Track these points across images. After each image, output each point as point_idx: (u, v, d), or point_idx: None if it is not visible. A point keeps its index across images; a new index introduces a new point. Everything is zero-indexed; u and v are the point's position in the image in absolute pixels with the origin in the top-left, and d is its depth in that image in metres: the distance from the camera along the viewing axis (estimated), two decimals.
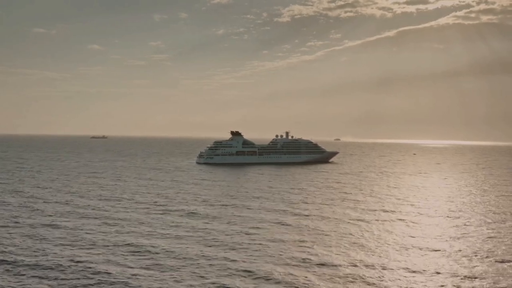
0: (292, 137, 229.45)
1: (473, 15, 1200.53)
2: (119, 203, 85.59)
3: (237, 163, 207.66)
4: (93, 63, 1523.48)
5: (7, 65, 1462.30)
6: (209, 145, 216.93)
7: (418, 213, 79.19)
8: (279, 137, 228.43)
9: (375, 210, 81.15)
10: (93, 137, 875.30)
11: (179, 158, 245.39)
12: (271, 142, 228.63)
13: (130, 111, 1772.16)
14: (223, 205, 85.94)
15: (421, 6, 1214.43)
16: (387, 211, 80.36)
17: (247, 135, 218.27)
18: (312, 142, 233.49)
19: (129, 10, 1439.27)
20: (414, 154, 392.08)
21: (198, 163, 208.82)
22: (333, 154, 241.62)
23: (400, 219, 72.87)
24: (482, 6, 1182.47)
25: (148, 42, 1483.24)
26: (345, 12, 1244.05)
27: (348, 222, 69.74)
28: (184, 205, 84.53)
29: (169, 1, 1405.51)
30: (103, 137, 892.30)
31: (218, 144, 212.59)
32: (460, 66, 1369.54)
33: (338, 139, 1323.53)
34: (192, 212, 76.98)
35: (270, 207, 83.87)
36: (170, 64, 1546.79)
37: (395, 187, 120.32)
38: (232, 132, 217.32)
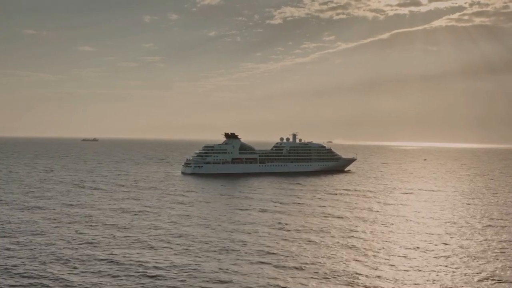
0: (300, 140, 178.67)
1: (466, 17, 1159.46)
2: None
3: (233, 173, 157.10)
4: (87, 65, 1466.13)
5: (1, 67, 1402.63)
6: (198, 151, 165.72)
7: None
8: (284, 141, 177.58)
9: None
10: (84, 140, 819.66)
11: (162, 167, 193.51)
12: (274, 146, 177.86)
13: (123, 113, 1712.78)
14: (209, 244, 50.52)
15: (414, 8, 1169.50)
16: None
17: (242, 138, 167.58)
18: (325, 147, 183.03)
19: (117, 11, 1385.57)
20: (425, 159, 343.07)
21: (183, 173, 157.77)
22: (350, 161, 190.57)
23: None
24: (475, 9, 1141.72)
25: (139, 43, 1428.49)
26: (337, 14, 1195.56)
27: None
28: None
29: (158, 2, 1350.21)
30: (94, 139, 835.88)
31: (209, 149, 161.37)
32: (454, 68, 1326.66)
33: (330, 142, 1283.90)
34: None
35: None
36: (163, 65, 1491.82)
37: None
38: (226, 135, 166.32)
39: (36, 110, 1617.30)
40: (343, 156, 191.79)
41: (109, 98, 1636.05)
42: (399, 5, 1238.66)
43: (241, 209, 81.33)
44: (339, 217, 74.24)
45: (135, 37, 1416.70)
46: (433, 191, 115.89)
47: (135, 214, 74.54)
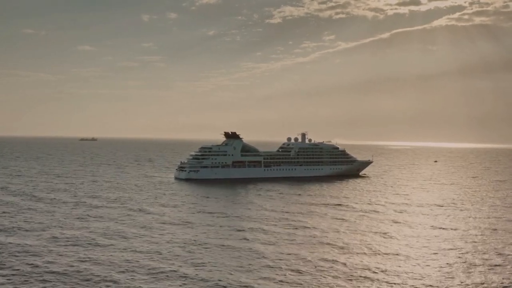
0: (310, 140, 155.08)
1: (466, 17, 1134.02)
2: None
3: (234, 178, 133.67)
4: (87, 65, 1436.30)
5: (1, 67, 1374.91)
6: (194, 152, 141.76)
7: None
8: (292, 141, 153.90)
9: None
10: (82, 139, 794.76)
11: (152, 171, 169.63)
12: (281, 147, 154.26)
13: (123, 113, 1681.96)
14: None
15: (414, 8, 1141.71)
16: None
17: (244, 138, 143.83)
18: (338, 148, 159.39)
19: (115, 11, 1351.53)
20: (436, 161, 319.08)
21: (177, 178, 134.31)
22: (365, 164, 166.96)
23: None
24: (475, 8, 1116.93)
25: (139, 43, 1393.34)
26: (336, 13, 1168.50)
27: None
28: None
29: (157, 1, 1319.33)
30: (93, 139, 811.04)
31: (207, 151, 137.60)
32: (453, 67, 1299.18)
33: (329, 141, 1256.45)
34: None
35: None
36: (163, 65, 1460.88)
37: None
38: (226, 134, 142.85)
39: (36, 110, 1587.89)
40: (358, 159, 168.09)
41: (109, 98, 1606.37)
42: (399, 4, 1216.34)
43: (240, 247, 57.88)
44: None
45: (134, 37, 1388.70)
46: (469, 209, 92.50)
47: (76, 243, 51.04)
